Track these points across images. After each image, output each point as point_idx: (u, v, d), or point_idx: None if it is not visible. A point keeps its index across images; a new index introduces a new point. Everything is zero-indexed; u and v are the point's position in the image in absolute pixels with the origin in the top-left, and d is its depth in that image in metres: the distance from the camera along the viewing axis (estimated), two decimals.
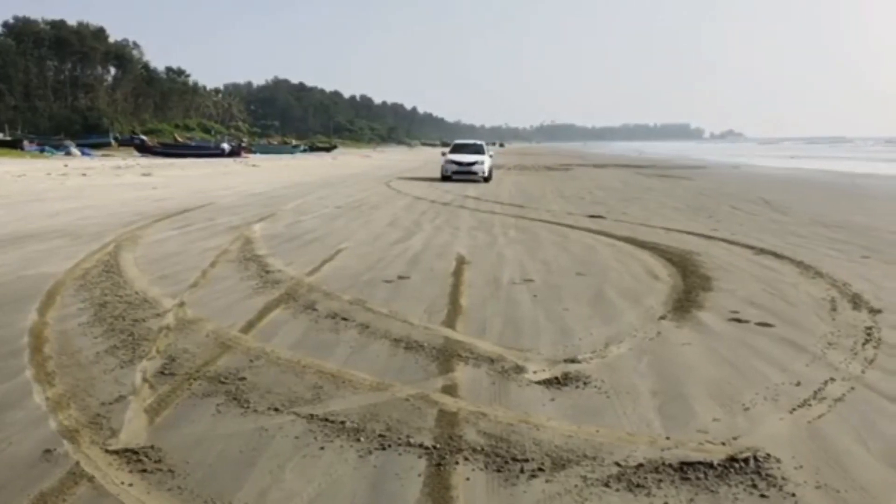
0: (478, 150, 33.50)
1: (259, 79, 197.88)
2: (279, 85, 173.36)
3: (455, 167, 31.36)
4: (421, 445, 4.30)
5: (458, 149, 34.08)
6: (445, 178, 31.45)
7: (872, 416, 4.85)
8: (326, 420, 4.68)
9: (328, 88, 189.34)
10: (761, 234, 14.22)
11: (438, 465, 4.06)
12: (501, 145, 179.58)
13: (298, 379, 5.47)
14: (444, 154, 34.08)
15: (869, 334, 6.83)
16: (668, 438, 4.43)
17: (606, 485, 3.83)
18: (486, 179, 30.89)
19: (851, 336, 6.77)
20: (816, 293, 8.63)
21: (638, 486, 3.82)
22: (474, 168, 31.24)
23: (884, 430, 4.63)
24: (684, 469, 4.00)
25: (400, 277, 9.53)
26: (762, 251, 11.88)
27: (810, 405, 5.03)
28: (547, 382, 5.46)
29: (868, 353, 6.26)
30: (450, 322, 7.24)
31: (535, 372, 5.69)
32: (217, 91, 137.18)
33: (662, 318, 7.47)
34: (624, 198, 23.21)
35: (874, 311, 7.69)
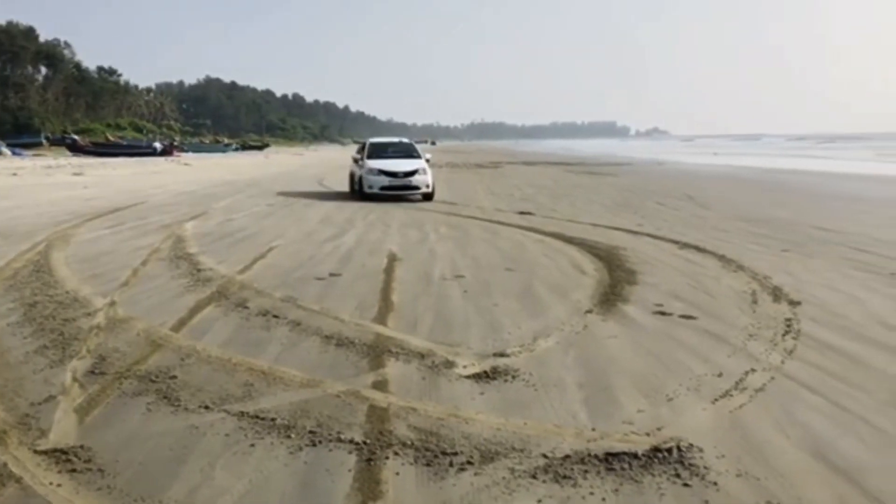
0: (409, 152, 22.84)
1: (191, 78, 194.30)
2: (211, 84, 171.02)
3: (386, 180, 21.05)
4: (351, 441, 4.27)
5: (380, 151, 22.55)
6: (366, 195, 21.16)
7: (791, 406, 5.00)
8: (257, 417, 4.63)
9: (260, 87, 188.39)
10: (685, 228, 14.58)
11: (369, 460, 4.04)
12: (433, 143, 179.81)
13: (229, 377, 5.41)
14: (358, 160, 22.71)
15: (788, 326, 7.05)
16: (593, 430, 4.49)
17: (534, 476, 3.86)
18: (428, 197, 21.05)
19: (772, 328, 6.99)
20: (738, 286, 8.89)
21: (564, 477, 3.86)
22: (415, 181, 21.08)
23: (802, 419, 4.77)
24: (609, 460, 4.06)
25: (332, 274, 9.49)
26: (686, 245, 12.19)
27: (732, 395, 5.16)
28: (476, 377, 5.48)
29: (788, 344, 6.46)
30: (381, 318, 7.23)
31: (464, 367, 5.71)
32: (149, 90, 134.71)
33: (589, 311, 7.58)
34: (553, 195, 23.52)
35: (794, 304, 7.96)
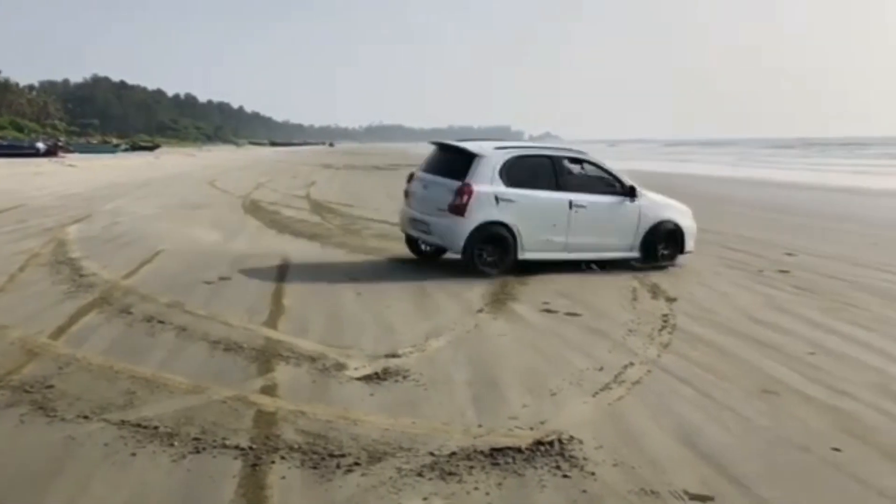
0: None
1: (76, 76, 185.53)
2: (99, 83, 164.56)
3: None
4: (237, 447, 4.25)
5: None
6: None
7: (666, 397, 5.30)
8: (139, 426, 4.53)
9: (151, 87, 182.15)
10: None
11: (254, 465, 4.03)
12: (331, 145, 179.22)
13: (110, 385, 5.27)
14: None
15: (665, 321, 7.42)
16: (480, 426, 4.63)
17: (420, 474, 3.95)
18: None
19: (650, 323, 7.34)
20: (620, 284, 9.28)
21: (450, 473, 3.97)
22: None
23: (675, 409, 5.06)
24: (494, 455, 4.20)
25: (221, 278, 9.32)
26: None
27: (611, 388, 5.41)
28: (367, 378, 5.54)
29: (664, 338, 6.81)
30: (271, 322, 7.18)
31: (355, 368, 5.75)
32: (31, 88, 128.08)
33: (480, 311, 7.76)
34: None
35: (670, 300, 8.38)
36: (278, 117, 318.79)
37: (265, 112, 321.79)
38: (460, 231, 9.62)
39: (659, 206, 10.70)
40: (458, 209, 9.58)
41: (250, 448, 4.23)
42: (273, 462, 4.07)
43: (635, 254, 10.46)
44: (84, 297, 8.06)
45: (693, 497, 3.78)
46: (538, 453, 4.25)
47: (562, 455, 4.24)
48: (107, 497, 3.67)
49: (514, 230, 9.65)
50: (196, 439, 4.34)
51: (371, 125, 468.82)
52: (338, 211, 18.46)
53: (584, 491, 3.83)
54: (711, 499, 3.77)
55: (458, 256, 9.81)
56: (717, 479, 3.99)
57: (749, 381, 5.65)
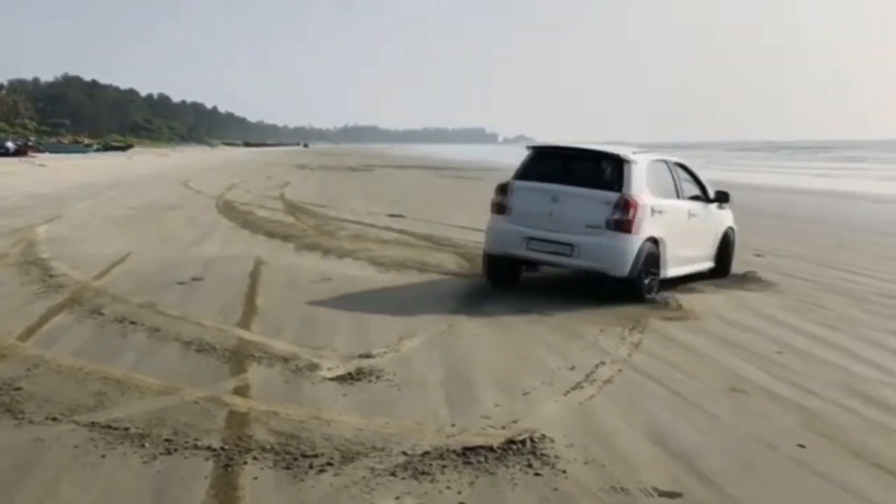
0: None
1: (48, 75, 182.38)
2: (70, 82, 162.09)
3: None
4: (209, 448, 4.23)
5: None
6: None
7: (636, 395, 5.36)
8: (109, 427, 4.49)
9: (123, 86, 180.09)
10: None
11: (226, 466, 4.01)
12: (306, 146, 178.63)
13: (80, 386, 5.22)
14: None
15: (637, 321, 7.48)
16: (453, 426, 4.65)
17: (393, 474, 3.96)
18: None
19: (620, 323, 7.40)
20: (591, 283, 9.34)
21: (423, 473, 3.98)
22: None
23: (645, 407, 5.13)
24: (467, 454, 4.21)
25: (194, 279, 9.28)
26: None
27: (582, 387, 5.46)
28: (340, 378, 5.54)
29: (635, 338, 6.89)
30: (245, 323, 7.16)
31: (328, 369, 5.75)
32: (0, 87, 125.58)
33: (454, 311, 7.79)
34: (423, 197, 23.80)
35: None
36: (252, 118, 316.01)
37: (239, 112, 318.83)
38: (628, 250, 8.18)
39: (727, 212, 10.30)
40: (623, 225, 8.19)
41: (222, 449, 4.21)
42: (245, 463, 4.05)
43: (710, 264, 9.96)
44: (54, 298, 7.98)
45: (662, 494, 3.83)
46: (510, 452, 4.27)
47: (533, 453, 4.27)
48: (75, 500, 3.64)
49: (662, 245, 8.60)
50: (167, 440, 4.31)
51: (346, 126, 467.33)
52: (312, 212, 18.40)
53: (556, 489, 3.86)
54: (680, 495, 3.82)
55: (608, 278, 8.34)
56: (686, 476, 4.05)
57: (718, 379, 5.73)
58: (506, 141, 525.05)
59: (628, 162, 8.49)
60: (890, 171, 47.78)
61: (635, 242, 8.20)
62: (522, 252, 8.75)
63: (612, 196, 8.29)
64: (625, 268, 8.15)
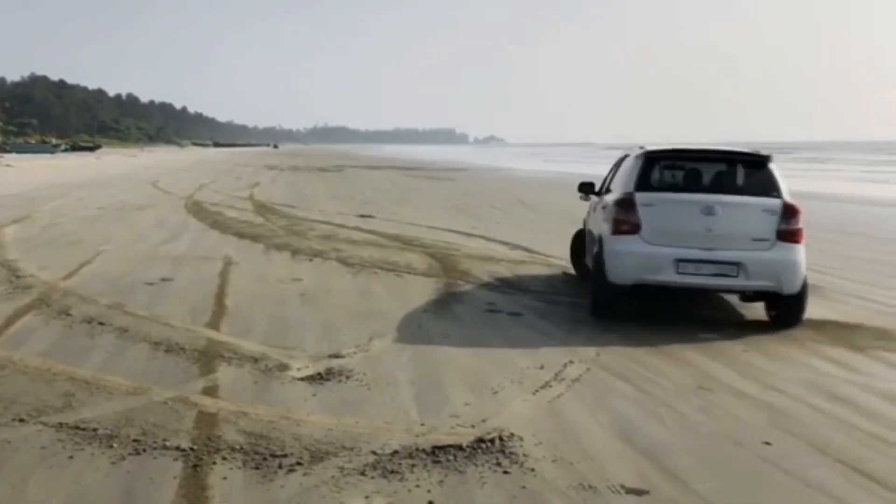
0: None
1: (14, 74, 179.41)
2: (37, 82, 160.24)
3: None
4: (178, 448, 4.21)
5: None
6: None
7: (603, 393, 5.40)
8: (77, 428, 4.47)
9: (91, 86, 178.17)
10: (516, 230, 15.24)
11: (195, 466, 4.00)
12: (275, 146, 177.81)
13: (48, 387, 5.19)
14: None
15: (577, 323, 7.51)
16: (422, 425, 4.66)
17: (362, 473, 3.96)
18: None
19: (589, 322, 7.45)
20: (567, 283, 9.43)
21: (392, 472, 3.98)
22: None
23: (612, 405, 5.17)
24: (436, 453, 4.23)
25: (163, 279, 9.23)
26: (516, 246, 12.77)
27: (551, 386, 5.50)
28: (310, 378, 5.53)
29: (604, 337, 6.91)
30: (214, 323, 7.13)
31: (298, 369, 5.74)
32: None
33: (424, 311, 7.80)
34: (393, 198, 23.76)
35: None
36: (222, 118, 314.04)
37: (208, 113, 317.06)
38: (801, 263, 7.25)
39: None
40: (794, 235, 7.27)
41: (191, 449, 4.19)
42: (215, 463, 4.04)
43: None
44: (21, 299, 7.92)
45: (630, 491, 3.87)
46: (479, 451, 4.29)
47: (502, 452, 4.29)
48: (43, 501, 3.61)
49: None
50: (136, 441, 4.29)
51: (315, 126, 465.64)
52: (281, 212, 18.34)
53: (524, 487, 3.89)
54: (647, 492, 3.86)
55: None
56: (653, 473, 4.09)
57: (685, 377, 5.80)
58: (476, 141, 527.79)
59: (773, 162, 7.65)
60: (863, 172, 48.02)
61: (804, 253, 7.32)
62: (669, 278, 7.26)
63: (775, 203, 7.29)
64: (798, 283, 7.24)
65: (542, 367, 5.92)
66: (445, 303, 8.22)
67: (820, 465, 4.26)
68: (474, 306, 8.08)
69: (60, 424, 4.51)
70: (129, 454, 4.12)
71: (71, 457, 4.09)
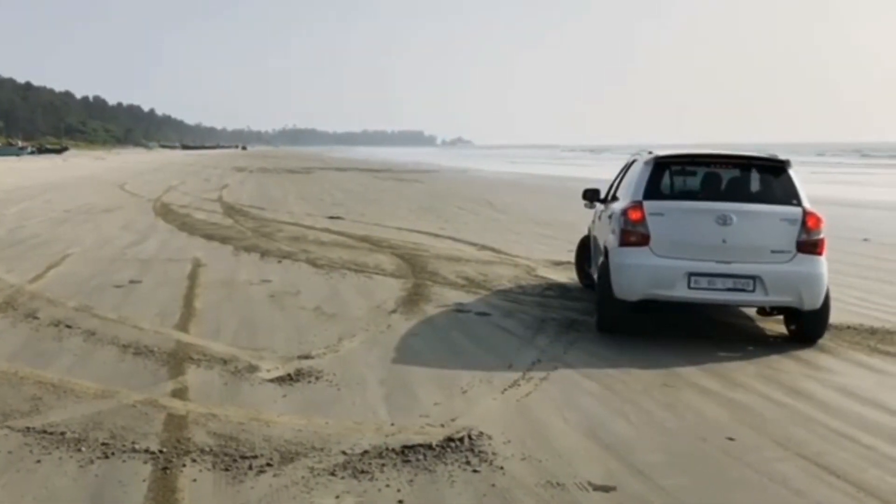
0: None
1: None
2: (3, 84, 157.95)
3: None
4: (147, 451, 4.20)
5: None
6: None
7: (570, 391, 5.48)
8: (44, 432, 4.44)
9: (58, 88, 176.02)
10: (483, 231, 15.34)
11: (165, 468, 3.99)
12: (244, 148, 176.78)
13: (15, 391, 5.15)
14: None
15: (573, 321, 7.61)
16: (392, 425, 4.69)
17: (332, 473, 3.98)
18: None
19: (556, 321, 7.53)
20: (533, 282, 9.50)
21: (362, 472, 4.01)
22: None
23: (579, 403, 5.25)
24: (406, 452, 4.26)
25: (131, 282, 9.18)
26: (483, 247, 12.84)
27: (519, 385, 5.56)
28: (280, 380, 5.54)
29: (570, 336, 7.00)
30: (183, 325, 7.11)
31: (268, 370, 5.74)
32: None
33: (393, 311, 7.83)
34: (363, 200, 23.74)
35: (576, 300, 8.60)
36: (190, 120, 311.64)
37: (177, 115, 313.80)
38: (823, 276, 6.76)
39: None
40: (815, 247, 6.77)
41: (161, 452, 4.18)
42: (184, 465, 4.03)
43: None
44: None
45: (597, 488, 3.93)
46: (448, 449, 4.33)
47: (472, 451, 4.34)
48: None
49: None
50: (105, 444, 4.27)
51: (284, 128, 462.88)
52: (250, 214, 18.26)
53: (493, 485, 3.93)
54: (614, 489, 3.93)
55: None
56: (620, 469, 4.15)
57: (650, 375, 5.89)
58: (444, 143, 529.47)
59: (792, 167, 7.15)
60: (848, 175, 48.06)
61: (826, 266, 6.81)
62: (680, 293, 6.78)
63: (795, 211, 6.83)
64: (820, 298, 6.75)
65: (510, 366, 5.98)
66: (414, 303, 8.24)
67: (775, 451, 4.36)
68: (443, 306, 8.12)
69: (28, 428, 4.48)
70: (98, 458, 4.11)
71: (38, 461, 4.06)
